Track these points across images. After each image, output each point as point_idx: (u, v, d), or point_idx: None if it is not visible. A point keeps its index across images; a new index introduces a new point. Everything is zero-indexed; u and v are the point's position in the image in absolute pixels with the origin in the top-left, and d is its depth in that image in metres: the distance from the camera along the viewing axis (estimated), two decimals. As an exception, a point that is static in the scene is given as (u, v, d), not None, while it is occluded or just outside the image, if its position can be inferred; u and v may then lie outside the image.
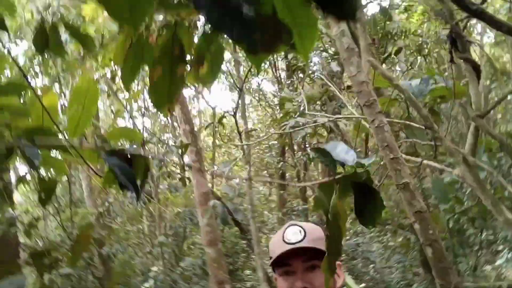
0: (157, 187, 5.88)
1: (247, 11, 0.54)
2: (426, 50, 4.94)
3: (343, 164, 1.06)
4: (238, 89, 5.12)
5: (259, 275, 5.04)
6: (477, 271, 4.11)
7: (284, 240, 1.12)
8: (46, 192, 1.90)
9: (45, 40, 1.73)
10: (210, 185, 5.59)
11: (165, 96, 1.10)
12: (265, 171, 8.88)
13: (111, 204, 7.02)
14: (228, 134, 8.82)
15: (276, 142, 7.23)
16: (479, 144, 3.09)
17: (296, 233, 1.11)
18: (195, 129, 5.38)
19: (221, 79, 7.89)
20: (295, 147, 7.46)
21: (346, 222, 1.04)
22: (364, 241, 5.36)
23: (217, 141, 8.47)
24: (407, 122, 3.30)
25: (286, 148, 7.55)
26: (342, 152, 1.06)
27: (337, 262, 1.09)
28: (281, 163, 6.85)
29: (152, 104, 1.17)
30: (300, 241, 1.10)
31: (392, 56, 3.56)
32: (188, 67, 1.12)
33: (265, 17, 0.54)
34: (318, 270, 1.07)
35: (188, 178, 6.14)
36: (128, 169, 1.37)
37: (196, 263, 6.13)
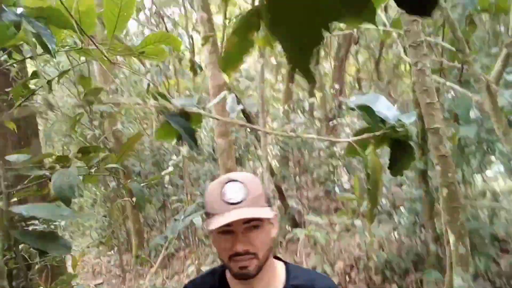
0: (165, 70, 5.84)
1: None
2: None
3: (383, 121, 1.05)
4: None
5: (263, 166, 5.34)
6: (466, 178, 4.37)
7: (223, 199, 1.01)
8: (92, 94, 1.92)
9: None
10: (225, 77, 5.56)
11: (235, 62, 1.04)
12: (274, 58, 8.60)
13: (121, 81, 7.11)
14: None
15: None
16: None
17: (237, 192, 1.01)
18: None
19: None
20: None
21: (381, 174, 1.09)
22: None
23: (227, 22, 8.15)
24: (440, 42, 3.19)
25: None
26: (383, 107, 1.07)
27: (274, 213, 1.07)
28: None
29: (220, 68, 1.12)
30: (241, 202, 1.00)
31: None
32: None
33: None
34: (259, 229, 1.02)
35: (200, 67, 6.08)
36: (189, 126, 1.37)
37: (206, 149, 6.40)
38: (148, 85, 5.90)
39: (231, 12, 7.50)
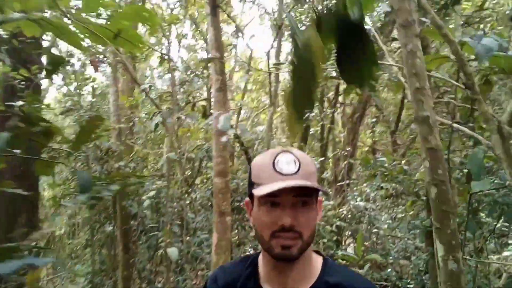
0: (179, 111, 5.84)
1: None
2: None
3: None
4: (277, 27, 4.90)
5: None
6: (482, 258, 3.97)
7: (275, 169, 0.97)
8: (53, 65, 1.83)
9: None
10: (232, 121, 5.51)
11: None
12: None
13: (134, 123, 7.18)
14: (261, 80, 8.71)
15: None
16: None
17: (290, 163, 0.97)
18: (225, 60, 5.23)
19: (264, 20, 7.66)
20: (326, 104, 7.28)
21: (322, 63, 0.81)
22: (374, 207, 5.26)
23: (248, 86, 8.43)
24: (444, 77, 3.05)
25: (316, 104, 7.36)
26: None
27: (319, 198, 1.01)
28: (308, 114, 6.65)
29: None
30: (293, 174, 0.96)
31: (448, 7, 3.24)
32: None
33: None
34: (307, 207, 0.97)
35: (211, 114, 6.10)
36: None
37: (205, 195, 6.20)
38: (157, 124, 5.91)
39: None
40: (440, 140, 1.73)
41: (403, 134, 9.43)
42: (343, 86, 7.39)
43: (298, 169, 0.96)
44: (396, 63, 3.81)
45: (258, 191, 0.96)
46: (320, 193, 1.01)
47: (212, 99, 5.28)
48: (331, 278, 1.02)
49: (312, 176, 0.98)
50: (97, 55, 5.80)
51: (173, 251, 3.76)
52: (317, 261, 1.06)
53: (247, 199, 1.05)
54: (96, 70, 5.43)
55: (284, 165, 0.97)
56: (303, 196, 0.96)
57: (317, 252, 1.09)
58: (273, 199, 0.96)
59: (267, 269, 1.04)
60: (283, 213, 0.95)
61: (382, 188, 5.62)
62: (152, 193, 5.22)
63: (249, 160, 5.51)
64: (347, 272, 1.07)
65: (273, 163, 0.97)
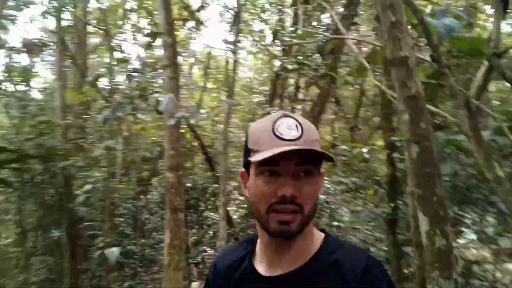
0: (130, 105, 5.45)
1: None
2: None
3: None
4: (234, 14, 4.66)
5: (219, 212, 4.78)
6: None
7: (275, 133, 0.88)
8: None
9: None
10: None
11: None
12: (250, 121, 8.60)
13: (85, 120, 6.72)
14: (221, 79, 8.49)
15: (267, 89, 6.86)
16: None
17: (292, 128, 0.88)
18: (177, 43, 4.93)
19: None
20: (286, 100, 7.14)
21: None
22: (334, 200, 5.15)
23: (208, 85, 8.18)
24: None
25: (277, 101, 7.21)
26: None
27: (322, 171, 0.93)
28: (267, 108, 6.48)
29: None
30: (296, 139, 0.87)
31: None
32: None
33: None
34: (310, 177, 0.88)
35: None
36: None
37: (160, 192, 5.85)
38: (105, 119, 5.49)
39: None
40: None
41: (363, 128, 9.51)
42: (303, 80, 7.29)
43: (301, 135, 0.87)
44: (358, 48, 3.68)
45: (256, 157, 0.86)
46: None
47: (164, 89, 4.97)
48: (330, 256, 0.92)
49: (316, 143, 0.89)
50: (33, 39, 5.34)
51: (112, 252, 3.40)
52: (317, 237, 0.96)
53: (242, 169, 0.96)
54: (30, 54, 4.97)
55: (286, 130, 0.88)
56: (306, 164, 0.87)
57: (322, 230, 0.99)
58: (272, 168, 0.87)
59: (263, 248, 0.96)
60: (284, 183, 0.86)
61: (342, 183, 5.53)
62: (88, 187, 4.78)
63: (207, 156, 5.25)
64: (348, 248, 0.96)
65: (273, 127, 0.89)
